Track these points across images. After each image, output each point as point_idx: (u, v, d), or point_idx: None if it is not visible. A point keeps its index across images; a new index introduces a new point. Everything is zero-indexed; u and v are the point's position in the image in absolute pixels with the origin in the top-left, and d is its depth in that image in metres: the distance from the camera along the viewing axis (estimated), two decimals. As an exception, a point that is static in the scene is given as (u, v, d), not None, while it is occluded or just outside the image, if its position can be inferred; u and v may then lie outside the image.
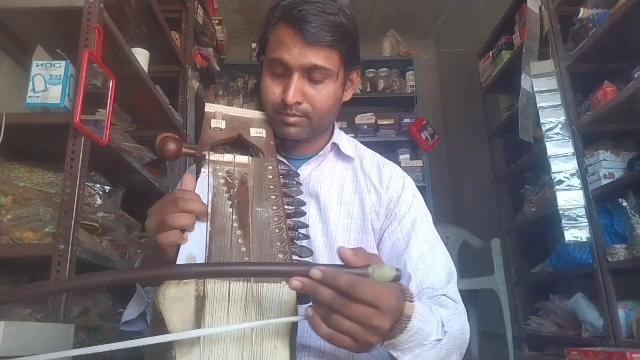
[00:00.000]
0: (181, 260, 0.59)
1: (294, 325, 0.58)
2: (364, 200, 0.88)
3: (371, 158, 0.95)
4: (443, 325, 0.65)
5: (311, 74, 0.79)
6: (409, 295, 0.56)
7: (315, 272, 0.51)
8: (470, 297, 2.63)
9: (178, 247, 0.61)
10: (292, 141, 0.86)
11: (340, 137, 0.94)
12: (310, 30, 0.76)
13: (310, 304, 0.55)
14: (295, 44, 0.77)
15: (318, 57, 0.78)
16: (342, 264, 0.56)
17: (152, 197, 1.68)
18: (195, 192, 0.67)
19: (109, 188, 1.46)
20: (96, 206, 1.40)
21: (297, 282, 0.52)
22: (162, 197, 0.66)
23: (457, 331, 0.68)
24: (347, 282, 0.50)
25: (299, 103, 0.80)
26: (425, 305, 0.64)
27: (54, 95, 1.19)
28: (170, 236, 0.60)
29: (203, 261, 0.59)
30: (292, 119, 0.81)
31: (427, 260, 0.80)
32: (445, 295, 0.76)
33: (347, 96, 0.90)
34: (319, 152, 0.91)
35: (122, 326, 0.79)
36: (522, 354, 2.56)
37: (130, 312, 0.77)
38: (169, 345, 0.53)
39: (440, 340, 0.63)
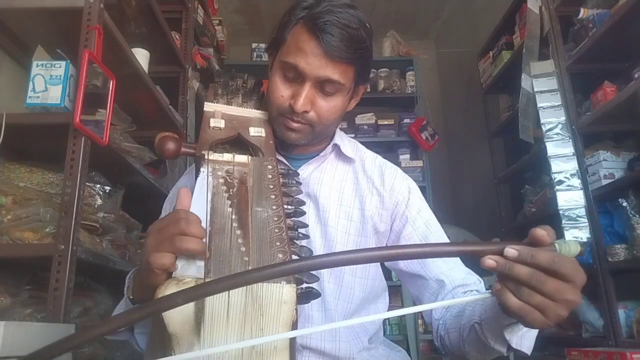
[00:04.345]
0: (181, 260, 0.59)
1: (294, 325, 0.58)
2: (364, 203, 0.88)
3: (372, 160, 0.94)
4: None
5: (324, 85, 0.79)
6: None
7: (511, 251, 0.51)
8: (470, 297, 2.62)
9: (170, 274, 0.58)
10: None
11: (342, 139, 0.94)
12: (332, 44, 0.75)
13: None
14: (314, 54, 0.76)
15: (334, 72, 0.77)
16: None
17: (152, 197, 1.70)
18: (194, 191, 0.67)
19: (109, 188, 1.46)
20: (96, 206, 1.40)
21: (491, 260, 0.52)
22: (164, 217, 0.63)
23: None
24: (549, 259, 0.50)
25: (306, 112, 0.79)
26: None
27: (54, 95, 1.19)
28: (163, 258, 0.57)
29: (202, 261, 0.59)
30: (295, 125, 0.81)
31: (449, 262, 0.84)
32: (477, 291, 0.82)
33: (350, 107, 0.90)
34: (319, 153, 0.91)
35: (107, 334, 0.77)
36: (523, 354, 2.55)
37: None
38: (168, 346, 0.53)
39: None
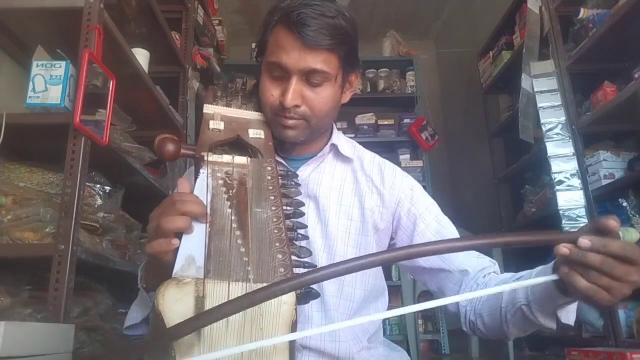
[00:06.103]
0: (180, 261, 0.59)
1: (293, 325, 0.58)
2: (364, 202, 0.88)
3: (371, 159, 0.95)
4: None
5: (309, 77, 0.79)
6: None
7: (584, 242, 0.56)
8: (470, 297, 2.62)
9: (175, 251, 0.61)
10: (290, 142, 0.86)
11: (339, 138, 0.94)
12: (309, 34, 0.76)
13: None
14: (294, 48, 0.77)
15: (316, 61, 0.78)
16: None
17: (152, 197, 1.70)
18: (194, 193, 0.67)
19: (109, 188, 1.46)
20: (96, 206, 1.40)
21: (565, 248, 0.57)
22: (162, 201, 0.65)
23: None
24: (620, 248, 0.56)
25: (297, 106, 0.80)
26: None
27: (54, 95, 1.19)
28: (157, 246, 0.61)
29: (202, 261, 0.59)
30: (290, 122, 0.81)
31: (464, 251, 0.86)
32: (494, 272, 0.84)
33: (346, 98, 0.90)
34: (317, 153, 0.91)
35: (125, 330, 0.79)
36: (522, 354, 2.55)
37: (134, 315, 0.77)
38: (169, 345, 0.53)
39: None
